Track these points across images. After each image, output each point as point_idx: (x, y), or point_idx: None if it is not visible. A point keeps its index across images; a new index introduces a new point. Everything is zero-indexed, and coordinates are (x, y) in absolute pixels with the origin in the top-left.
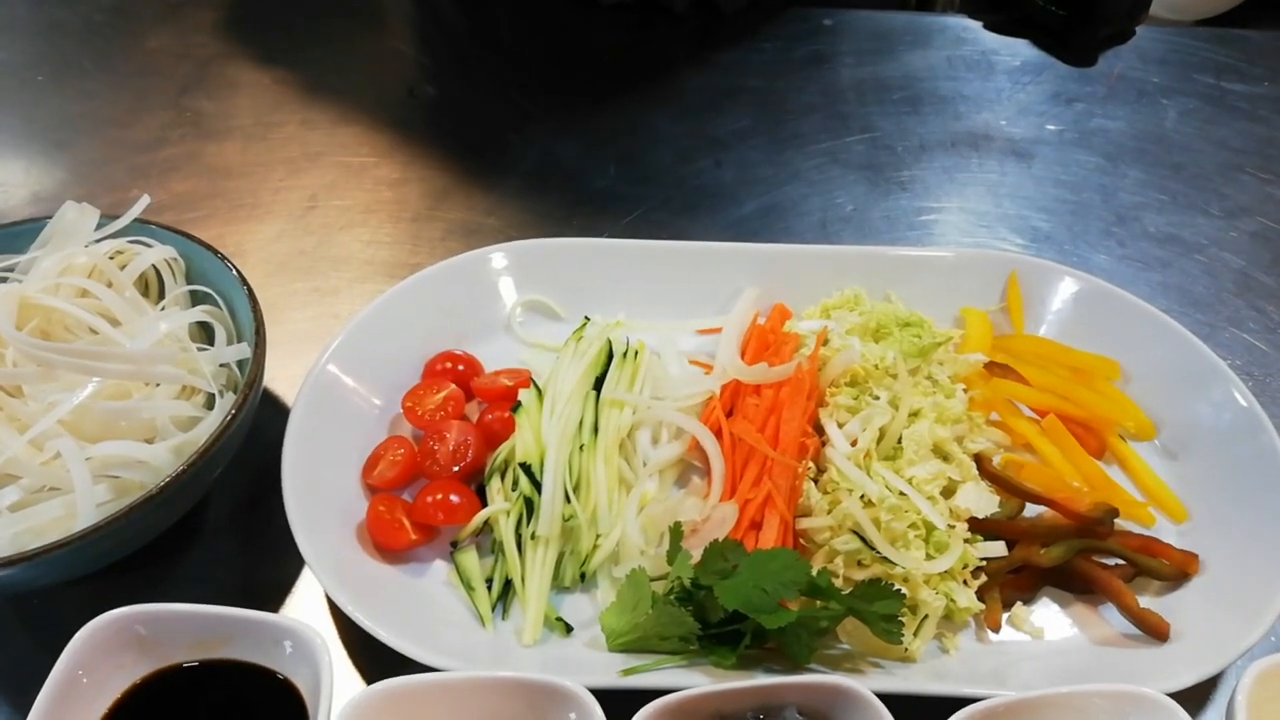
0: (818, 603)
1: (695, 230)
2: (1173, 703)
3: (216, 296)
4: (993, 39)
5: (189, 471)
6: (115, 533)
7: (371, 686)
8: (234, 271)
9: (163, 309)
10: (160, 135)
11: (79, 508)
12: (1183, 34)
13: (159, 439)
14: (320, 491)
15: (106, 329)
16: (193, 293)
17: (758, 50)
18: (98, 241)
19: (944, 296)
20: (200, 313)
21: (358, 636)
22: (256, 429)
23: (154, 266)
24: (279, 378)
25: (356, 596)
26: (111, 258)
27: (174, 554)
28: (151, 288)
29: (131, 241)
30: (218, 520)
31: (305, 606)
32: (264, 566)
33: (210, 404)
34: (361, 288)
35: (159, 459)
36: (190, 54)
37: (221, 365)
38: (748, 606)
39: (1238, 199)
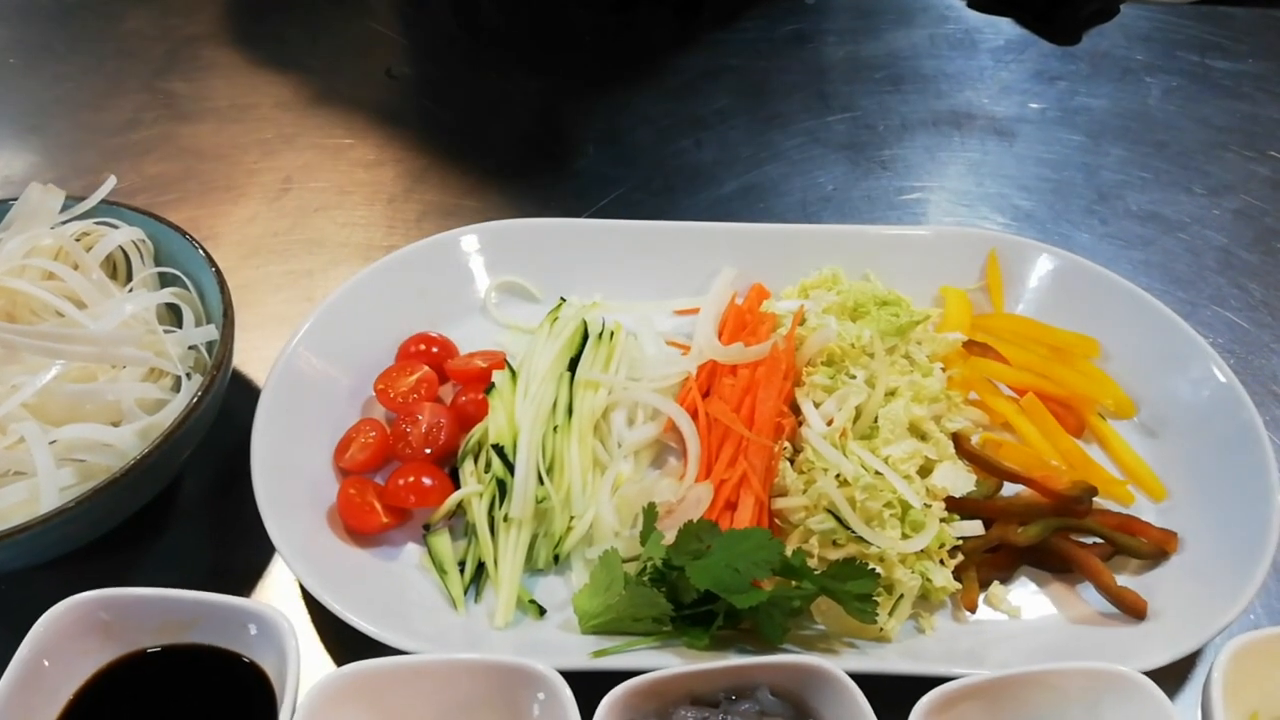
0: (792, 583)
1: (675, 210)
2: (1148, 681)
3: (185, 278)
4: (976, 17)
5: (154, 455)
6: (79, 516)
7: (338, 670)
8: (201, 253)
9: (131, 291)
10: (134, 117)
11: (41, 491)
12: (1167, 11)
13: (125, 422)
14: (291, 475)
15: (72, 311)
16: (162, 275)
17: (740, 30)
18: (64, 223)
19: (923, 275)
20: (168, 295)
21: (329, 620)
22: (230, 412)
23: (122, 248)
24: (253, 360)
25: (327, 581)
26: (78, 240)
27: (146, 537)
28: (120, 270)
29: (99, 223)
30: (190, 503)
31: (279, 590)
32: (237, 550)
33: (178, 387)
34: (337, 270)
35: (124, 442)
36: (166, 36)
37: (191, 348)
38: (719, 586)
39: (1221, 176)
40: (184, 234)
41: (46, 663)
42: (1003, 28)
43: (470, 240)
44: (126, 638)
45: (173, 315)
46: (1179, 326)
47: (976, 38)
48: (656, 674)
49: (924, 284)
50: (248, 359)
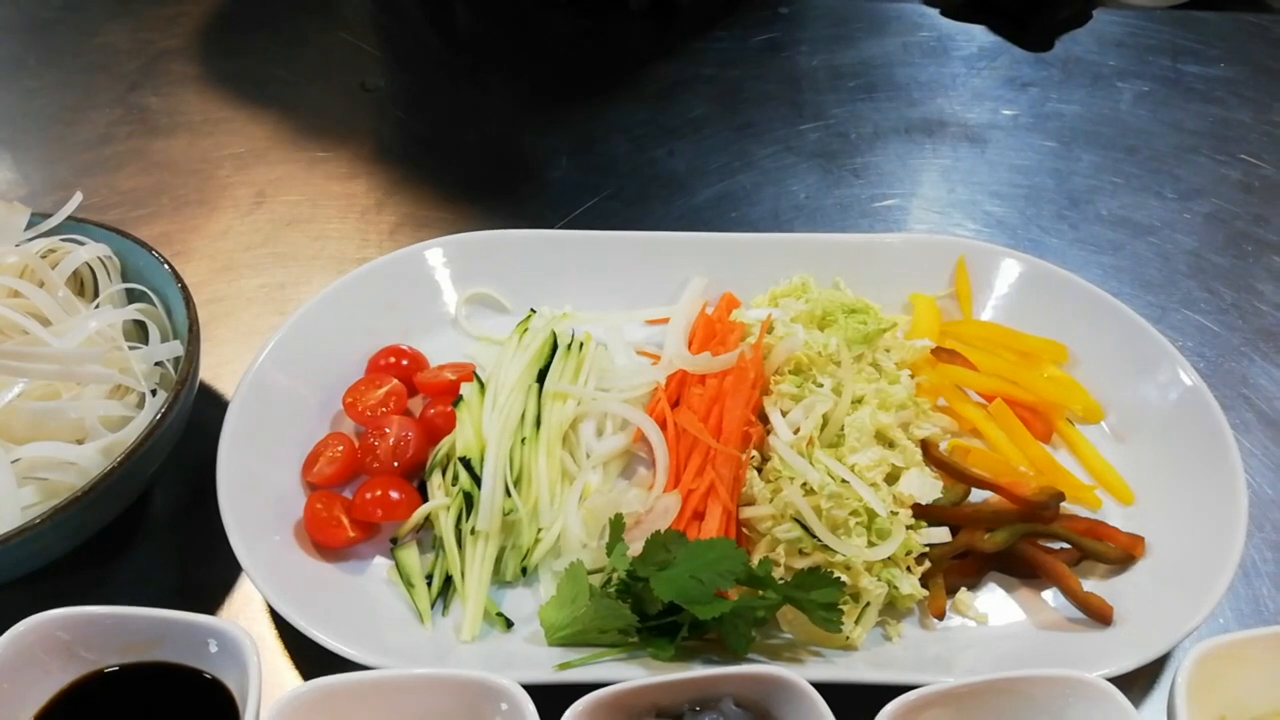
0: (759, 593)
1: (648, 220)
2: (1112, 687)
3: (151, 294)
4: (949, 24)
5: (117, 472)
6: (41, 535)
7: (300, 686)
8: (167, 268)
9: (97, 307)
10: (106, 132)
11: (2, 510)
12: (1140, 16)
13: (89, 439)
14: (258, 490)
15: (37, 329)
16: (129, 291)
17: (714, 39)
18: (30, 240)
19: (894, 282)
20: (134, 311)
21: (297, 636)
22: (200, 427)
23: (89, 265)
24: (225, 375)
25: (293, 597)
26: (44, 256)
27: (114, 554)
28: (87, 286)
29: (65, 239)
30: (160, 520)
31: (248, 606)
32: (207, 566)
33: (144, 404)
34: (309, 283)
35: (87, 460)
36: (139, 50)
37: (157, 364)
38: (682, 597)
39: (1191, 181)
40: (150, 249)
41: (5, 685)
42: (975, 35)
43: (441, 252)
44: (89, 658)
45: (140, 331)
46: (1146, 331)
47: (949, 45)
48: (619, 687)
49: (894, 291)
50: (219, 374)
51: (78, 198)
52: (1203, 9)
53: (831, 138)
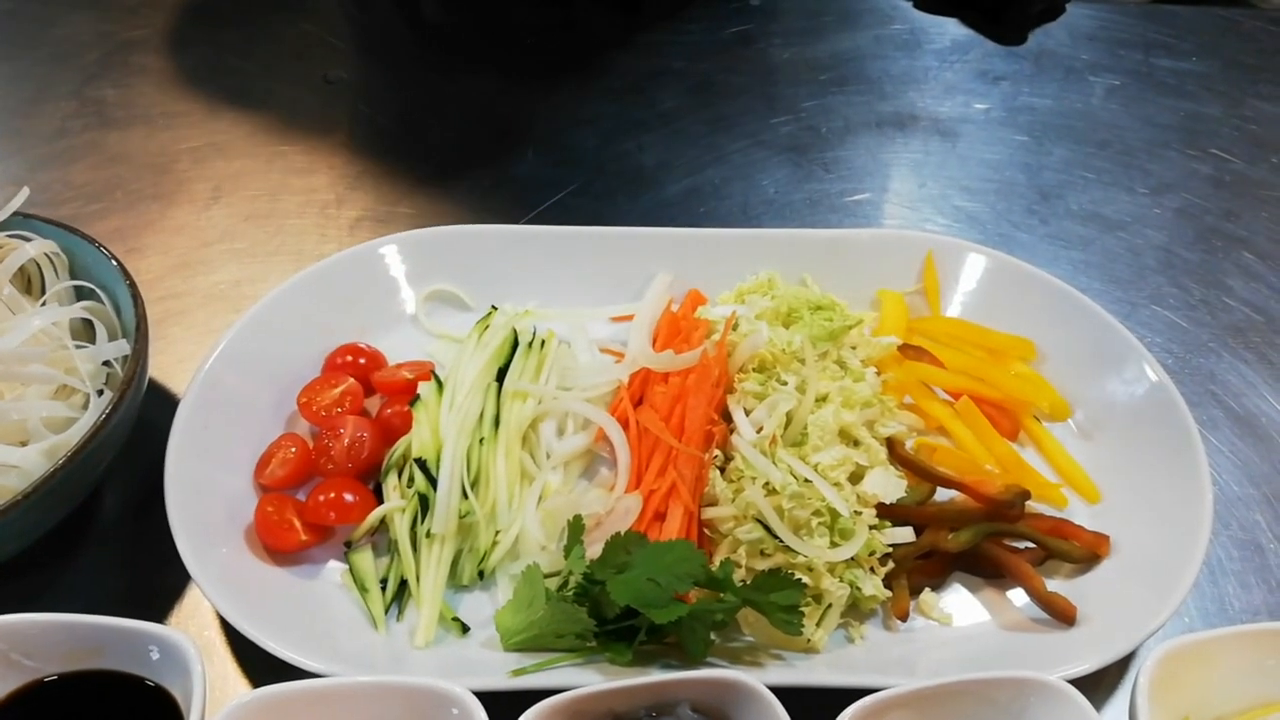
0: (720, 595)
1: (615, 215)
2: (1072, 689)
3: (99, 292)
4: (922, 18)
5: (59, 475)
6: None
7: (244, 695)
8: (115, 264)
9: (44, 305)
10: (61, 125)
11: None
12: (1112, 10)
13: (31, 441)
14: (208, 494)
15: None
16: (78, 289)
17: (684, 31)
18: None
19: (862, 279)
20: (80, 309)
21: (248, 643)
22: (153, 428)
23: (35, 262)
24: (180, 374)
25: (243, 604)
26: None
27: (63, 559)
28: (35, 284)
29: (11, 235)
30: (110, 523)
31: (199, 612)
32: (157, 571)
33: (89, 405)
34: (266, 281)
35: (29, 463)
36: (98, 42)
37: (106, 365)
38: (639, 601)
39: (1162, 175)
40: (98, 245)
41: None
42: (948, 28)
43: (400, 248)
44: (30, 665)
45: (90, 331)
46: (1114, 327)
47: (921, 38)
48: (574, 693)
49: (863, 287)
50: (173, 373)
51: (24, 193)
52: (1175, 3)
53: (802, 131)
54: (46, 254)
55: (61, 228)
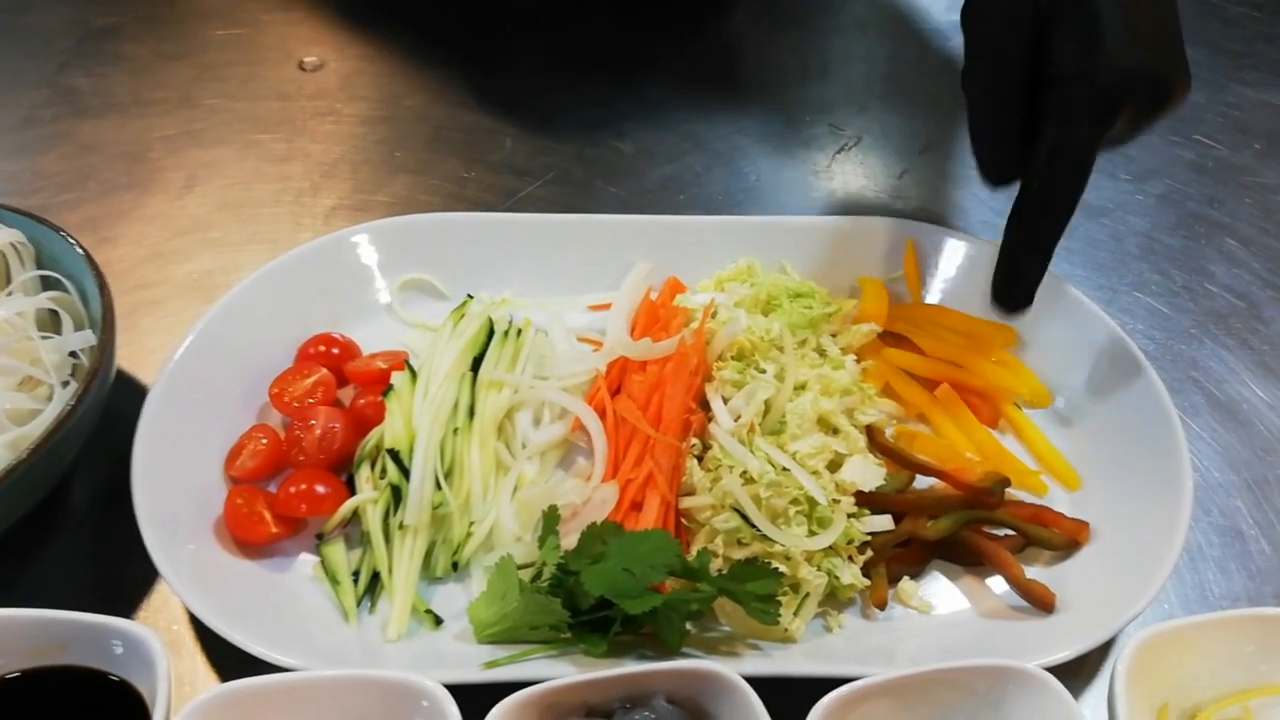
0: (697, 585)
1: (595, 202)
2: (1049, 676)
3: (66, 282)
4: (905, 4)
5: (21, 468)
6: None
7: (210, 690)
8: (82, 253)
9: (9, 295)
10: (31, 114)
11: None
12: None
13: None
14: (177, 486)
15: None
16: (44, 279)
17: (666, 18)
18: None
19: (843, 266)
20: (45, 299)
21: (218, 636)
22: (123, 420)
23: (1, 252)
24: (151, 365)
25: (211, 596)
26: None
27: (29, 553)
28: (0, 275)
29: None
30: (78, 516)
31: (167, 605)
32: (126, 564)
33: (54, 396)
34: (240, 270)
35: None
36: (71, 29)
37: (73, 356)
38: (613, 591)
39: (1145, 162)
40: (65, 235)
41: None
42: (933, 11)
43: (375, 236)
44: None
45: (57, 322)
46: (1095, 313)
47: (907, 20)
48: (547, 685)
49: (844, 275)
50: (144, 364)
51: None
52: None
53: (785, 118)
54: (12, 243)
55: (28, 217)
